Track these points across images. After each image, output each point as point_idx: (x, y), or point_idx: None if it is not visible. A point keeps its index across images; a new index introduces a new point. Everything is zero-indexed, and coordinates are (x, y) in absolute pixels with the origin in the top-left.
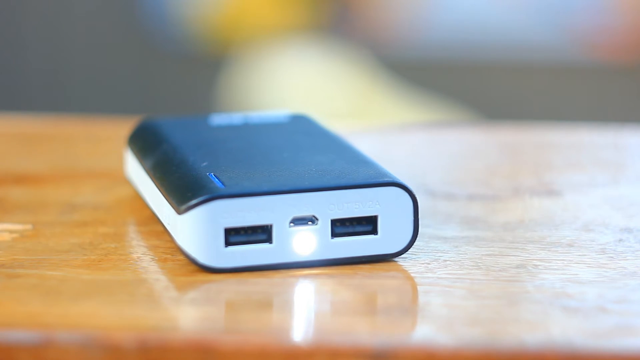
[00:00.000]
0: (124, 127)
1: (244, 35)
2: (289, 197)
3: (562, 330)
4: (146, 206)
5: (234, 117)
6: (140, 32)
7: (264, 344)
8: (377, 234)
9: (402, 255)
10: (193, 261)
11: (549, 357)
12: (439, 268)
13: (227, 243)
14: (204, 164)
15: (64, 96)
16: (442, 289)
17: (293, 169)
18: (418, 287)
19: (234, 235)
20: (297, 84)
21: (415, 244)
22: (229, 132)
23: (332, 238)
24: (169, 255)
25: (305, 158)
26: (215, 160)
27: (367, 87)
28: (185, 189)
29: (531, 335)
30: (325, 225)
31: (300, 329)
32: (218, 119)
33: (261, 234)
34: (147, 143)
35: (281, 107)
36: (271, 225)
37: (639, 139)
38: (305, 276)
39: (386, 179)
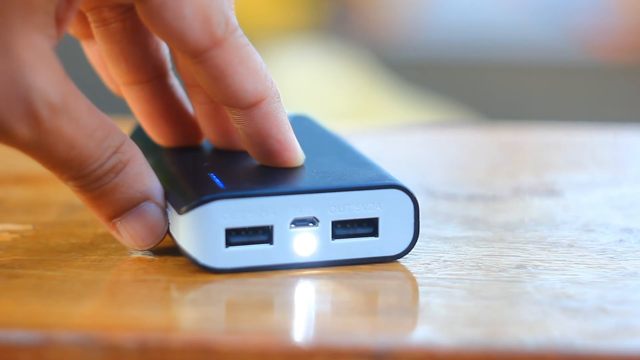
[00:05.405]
0: (124, 127)
1: None
2: (290, 199)
3: (562, 331)
4: None
5: None
6: None
7: (264, 344)
8: (377, 236)
9: None
10: (193, 261)
11: (549, 357)
12: (439, 268)
13: (228, 243)
14: (205, 164)
15: None
16: (442, 290)
17: (294, 170)
18: (418, 287)
19: (235, 236)
20: (297, 84)
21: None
22: None
23: (332, 240)
24: (169, 256)
25: (306, 159)
26: (216, 160)
27: (367, 87)
28: (186, 189)
29: (531, 336)
30: (326, 227)
31: (301, 329)
32: None
33: (262, 234)
34: (147, 143)
35: None
36: (272, 226)
37: (639, 138)
38: (306, 276)
39: (387, 182)
